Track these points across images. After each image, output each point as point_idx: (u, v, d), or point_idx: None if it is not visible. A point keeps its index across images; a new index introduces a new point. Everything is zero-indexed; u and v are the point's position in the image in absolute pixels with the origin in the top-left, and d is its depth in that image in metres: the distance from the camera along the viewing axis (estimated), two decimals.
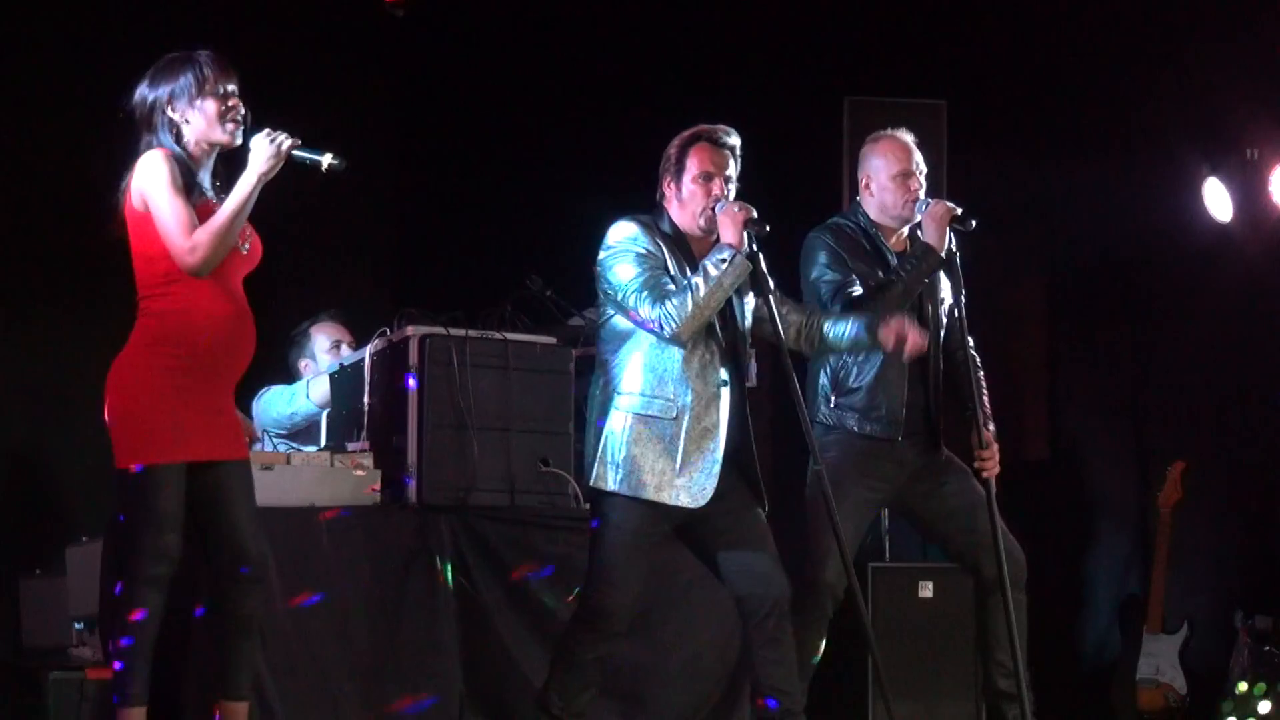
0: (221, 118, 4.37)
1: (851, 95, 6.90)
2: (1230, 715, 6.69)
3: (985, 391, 5.07)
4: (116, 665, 4.30)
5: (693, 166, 4.69)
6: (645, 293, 4.57)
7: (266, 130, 4.33)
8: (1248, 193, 7.09)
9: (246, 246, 4.43)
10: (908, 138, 5.12)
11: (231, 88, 4.39)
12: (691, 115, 4.83)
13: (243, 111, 4.40)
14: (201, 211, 4.33)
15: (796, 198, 5.76)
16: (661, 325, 4.55)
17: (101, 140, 4.57)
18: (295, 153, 4.34)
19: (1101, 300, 7.59)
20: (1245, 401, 7.26)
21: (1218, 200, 7.13)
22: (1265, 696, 6.64)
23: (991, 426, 5.02)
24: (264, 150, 4.29)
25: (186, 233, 4.26)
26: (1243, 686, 6.70)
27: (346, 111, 7.93)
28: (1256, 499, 7.26)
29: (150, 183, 4.30)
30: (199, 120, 4.37)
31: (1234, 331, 7.23)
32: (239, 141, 4.39)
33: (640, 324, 4.61)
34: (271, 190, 4.41)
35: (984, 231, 5.03)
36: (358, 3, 7.73)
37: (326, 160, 4.37)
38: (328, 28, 7.76)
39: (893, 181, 5.06)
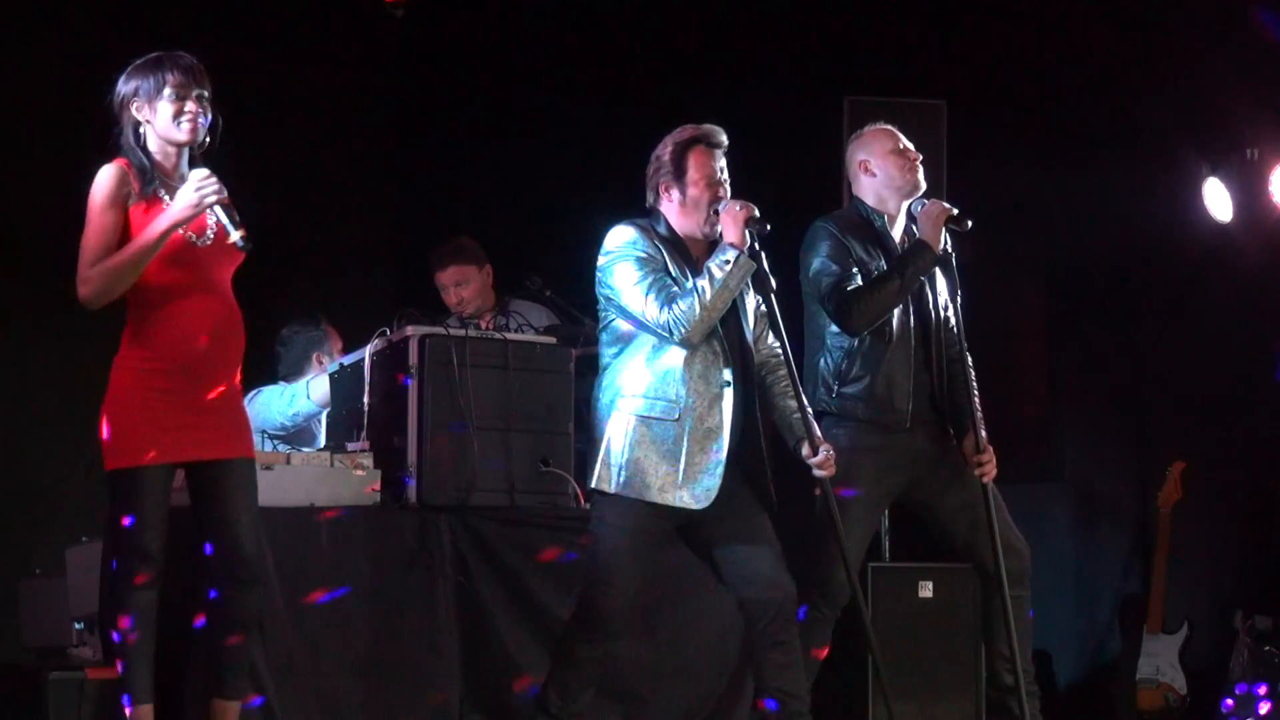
0: (175, 118, 4.38)
1: (851, 95, 6.90)
2: (1230, 715, 6.69)
3: (978, 395, 5.07)
4: (119, 666, 4.33)
5: (694, 171, 4.67)
6: (652, 297, 4.56)
7: (204, 174, 4.31)
8: (1248, 193, 7.08)
9: (203, 240, 4.39)
10: (891, 126, 5.15)
11: (197, 92, 4.39)
12: (692, 115, 4.82)
13: (204, 117, 4.41)
14: (152, 211, 4.34)
15: (796, 197, 5.76)
16: (671, 330, 4.55)
17: (94, 138, 4.58)
18: (217, 209, 4.31)
19: (1101, 300, 7.59)
20: (1245, 402, 7.26)
21: (1218, 200, 7.13)
22: (1265, 696, 6.64)
23: (983, 432, 5.02)
24: (187, 198, 4.28)
25: (89, 262, 4.30)
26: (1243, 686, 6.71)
27: (346, 111, 7.94)
28: (1256, 499, 7.27)
29: (89, 198, 4.36)
30: (157, 120, 4.40)
31: (1234, 331, 7.23)
32: (199, 139, 4.41)
33: (646, 328, 4.60)
34: (272, 190, 4.40)
35: (984, 231, 5.04)
36: (358, 3, 7.73)
37: (234, 236, 4.32)
38: (328, 28, 7.76)
39: (891, 155, 5.08)
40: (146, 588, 4.31)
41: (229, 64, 4.55)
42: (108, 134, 4.44)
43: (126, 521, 4.30)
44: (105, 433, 4.35)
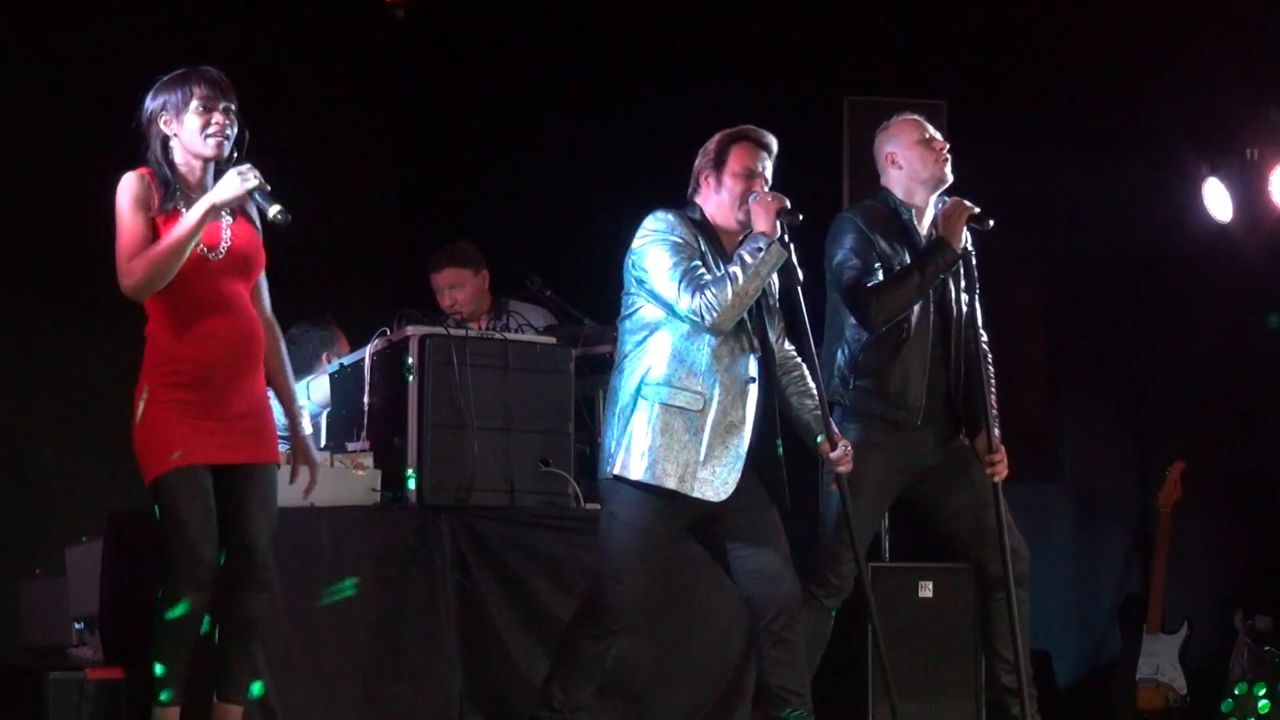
0: (202, 131, 4.39)
1: (851, 95, 6.90)
2: (1230, 715, 6.69)
3: (994, 390, 5.07)
4: (155, 666, 4.32)
5: (734, 163, 4.73)
6: (684, 282, 4.58)
7: (246, 166, 4.35)
8: (1248, 193, 7.08)
9: (215, 254, 4.41)
10: (918, 117, 5.15)
11: (223, 105, 4.41)
12: (692, 115, 4.85)
13: (231, 129, 4.42)
14: (171, 224, 4.35)
15: (796, 197, 5.75)
16: (702, 315, 4.56)
17: (106, 142, 4.59)
18: (255, 194, 4.36)
19: (1101, 300, 7.58)
20: (1245, 402, 7.26)
21: (1218, 200, 7.13)
22: (1265, 696, 6.64)
23: (997, 430, 5.02)
24: (230, 184, 4.31)
25: (128, 256, 4.31)
26: (1243, 686, 6.70)
27: (346, 112, 7.95)
28: (1256, 499, 7.26)
29: (116, 202, 4.37)
30: (184, 133, 4.42)
31: (1234, 331, 7.22)
32: (225, 154, 4.42)
33: (677, 314, 4.61)
34: (271, 190, 4.41)
35: (984, 231, 5.04)
36: (358, 3, 7.73)
37: (273, 210, 4.36)
38: (328, 28, 7.77)
39: (919, 145, 5.08)
40: (198, 590, 4.31)
41: (229, 64, 4.55)
42: (135, 149, 4.45)
43: (176, 524, 4.30)
44: (140, 451, 4.37)
